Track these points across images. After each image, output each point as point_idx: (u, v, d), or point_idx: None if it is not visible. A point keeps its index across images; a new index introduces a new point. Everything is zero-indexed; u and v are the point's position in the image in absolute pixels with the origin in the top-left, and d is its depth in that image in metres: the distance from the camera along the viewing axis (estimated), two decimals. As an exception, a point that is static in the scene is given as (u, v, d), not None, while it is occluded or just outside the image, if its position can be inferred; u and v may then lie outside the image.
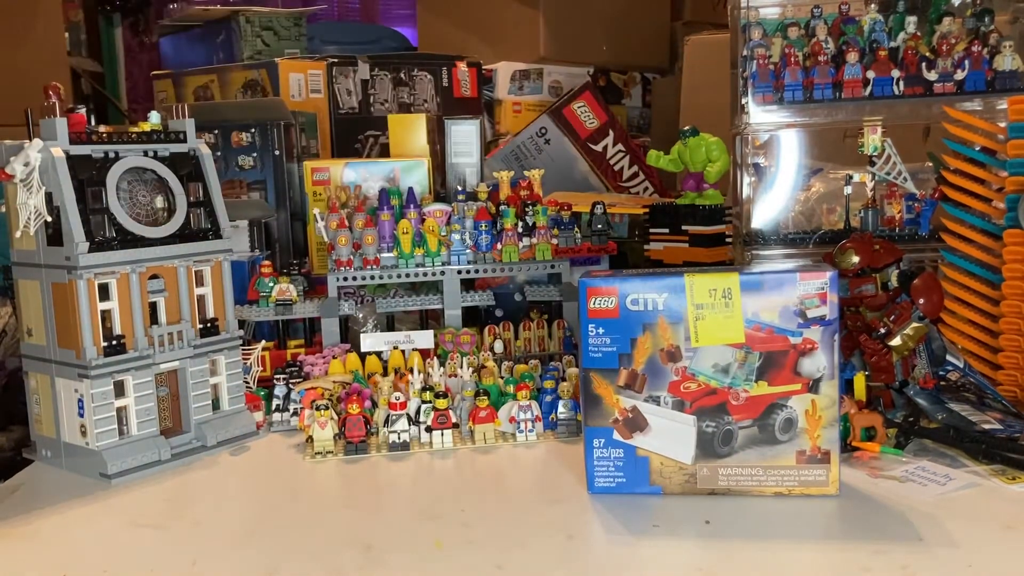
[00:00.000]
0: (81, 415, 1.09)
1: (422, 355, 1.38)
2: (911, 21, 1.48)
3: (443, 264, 1.47)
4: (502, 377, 1.30)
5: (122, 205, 1.12)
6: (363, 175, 1.75)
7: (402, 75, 2.37)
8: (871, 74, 1.47)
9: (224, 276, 1.21)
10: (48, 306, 1.10)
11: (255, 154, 1.83)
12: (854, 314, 1.18)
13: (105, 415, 1.08)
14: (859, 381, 1.14)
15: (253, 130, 1.83)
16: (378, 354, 1.38)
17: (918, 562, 0.82)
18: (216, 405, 1.21)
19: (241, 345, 1.24)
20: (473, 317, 1.58)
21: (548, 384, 1.23)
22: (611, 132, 2.38)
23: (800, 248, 1.54)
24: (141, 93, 3.96)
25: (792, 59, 1.48)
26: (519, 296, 1.59)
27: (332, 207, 1.49)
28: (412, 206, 1.47)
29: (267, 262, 1.48)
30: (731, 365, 0.96)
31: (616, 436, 0.98)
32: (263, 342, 1.42)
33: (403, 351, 1.38)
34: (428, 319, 1.56)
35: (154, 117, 1.19)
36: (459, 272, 1.48)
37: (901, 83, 1.47)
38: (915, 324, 1.14)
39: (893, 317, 1.15)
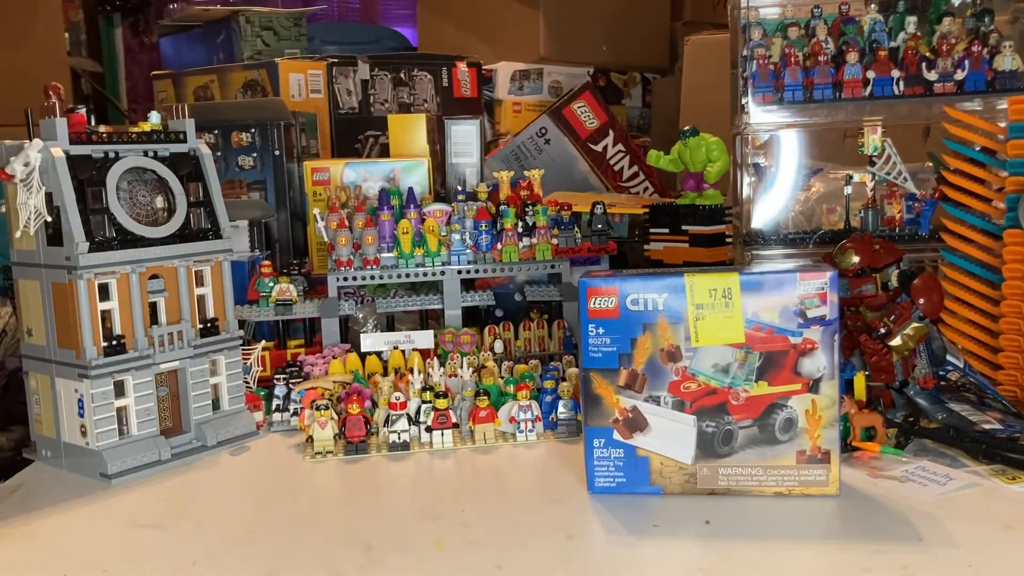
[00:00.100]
0: (81, 415, 1.09)
1: (422, 355, 1.37)
2: (911, 21, 1.48)
3: (443, 264, 1.47)
4: (502, 377, 1.29)
5: (122, 205, 1.12)
6: (363, 175, 1.75)
7: (402, 75, 2.36)
8: (871, 74, 1.47)
9: (224, 276, 1.21)
10: (48, 306, 1.10)
11: (255, 154, 1.83)
12: (854, 314, 1.18)
13: (105, 415, 1.08)
14: (859, 381, 1.14)
15: (253, 130, 1.83)
16: (378, 354, 1.38)
17: (918, 562, 0.82)
18: (216, 405, 1.21)
19: (241, 345, 1.24)
20: (473, 317, 1.58)
21: (548, 384, 1.23)
22: (611, 132, 2.38)
23: (800, 248, 1.54)
24: (141, 93, 3.96)
25: (792, 59, 1.48)
26: (519, 296, 1.59)
27: (332, 207, 1.49)
28: (412, 206, 1.47)
29: (267, 262, 1.48)
30: (731, 365, 0.96)
31: (616, 436, 0.98)
32: (263, 342, 1.42)
33: (403, 351, 1.38)
34: (428, 319, 1.56)
35: (154, 117, 1.19)
36: (459, 272, 1.48)
37: (901, 83, 1.47)
38: (915, 324, 1.14)
39: (893, 317, 1.15)
